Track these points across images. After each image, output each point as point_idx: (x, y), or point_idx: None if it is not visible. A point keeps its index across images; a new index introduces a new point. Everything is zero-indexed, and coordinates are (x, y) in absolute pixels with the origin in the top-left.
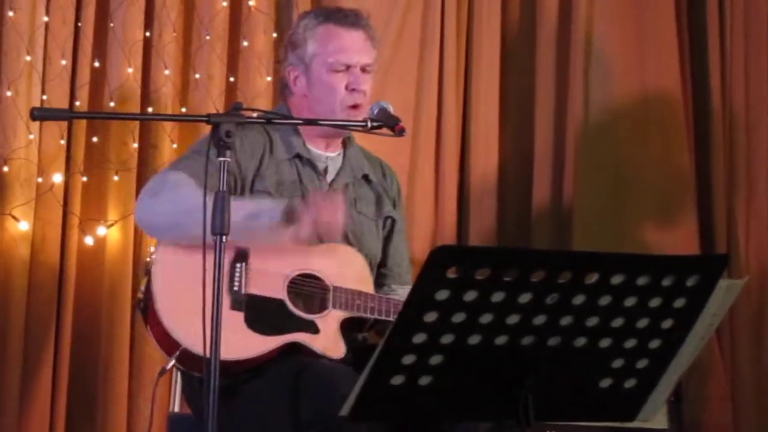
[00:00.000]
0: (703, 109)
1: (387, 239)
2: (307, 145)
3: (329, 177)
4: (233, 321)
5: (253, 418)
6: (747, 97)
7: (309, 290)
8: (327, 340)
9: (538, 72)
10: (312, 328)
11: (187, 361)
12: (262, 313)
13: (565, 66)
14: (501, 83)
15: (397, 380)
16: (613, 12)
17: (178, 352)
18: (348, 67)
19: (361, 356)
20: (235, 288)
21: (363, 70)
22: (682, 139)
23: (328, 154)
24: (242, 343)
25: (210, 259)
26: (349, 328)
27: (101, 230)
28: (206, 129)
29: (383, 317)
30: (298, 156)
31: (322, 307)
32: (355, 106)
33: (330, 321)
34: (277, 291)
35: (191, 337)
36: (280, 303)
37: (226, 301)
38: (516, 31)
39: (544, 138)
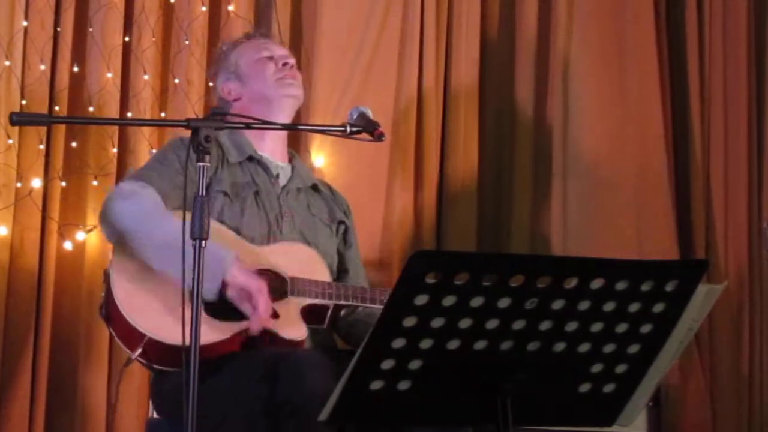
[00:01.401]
0: (682, 115)
1: (343, 244)
2: (258, 151)
3: (281, 182)
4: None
5: (224, 407)
6: (725, 103)
7: (267, 282)
8: (287, 323)
9: (517, 78)
10: (272, 314)
11: (153, 352)
12: (221, 306)
13: (544, 73)
14: (480, 89)
15: (376, 385)
16: (592, 22)
17: (142, 344)
18: (271, 57)
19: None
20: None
21: (287, 60)
22: (660, 144)
23: (278, 163)
24: (206, 327)
25: None
26: (310, 321)
27: (80, 235)
28: (185, 134)
29: (342, 302)
30: (250, 158)
31: (281, 297)
32: (284, 77)
33: (289, 307)
34: None
35: (153, 326)
36: None
37: (186, 297)
38: (495, 36)
39: (523, 142)
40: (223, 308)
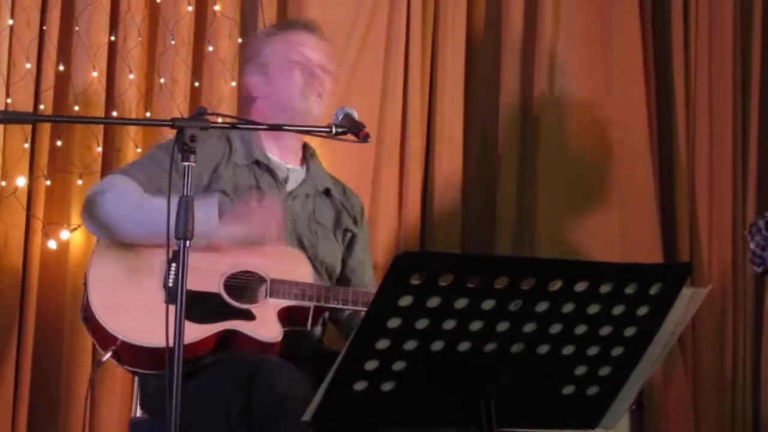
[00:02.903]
0: (667, 118)
1: (347, 252)
2: (267, 153)
3: (289, 187)
4: (170, 313)
5: (201, 413)
6: (710, 107)
7: (246, 284)
8: (263, 325)
9: (503, 79)
10: (248, 316)
11: (125, 354)
12: (197, 306)
13: (529, 74)
14: (465, 89)
15: (360, 386)
16: (578, 22)
17: (115, 346)
18: (304, 66)
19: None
20: (170, 284)
21: (320, 68)
22: (645, 147)
23: (289, 166)
24: None
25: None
26: (291, 322)
27: (64, 234)
28: (170, 133)
29: (322, 303)
30: (257, 162)
31: (260, 298)
32: (311, 91)
33: (266, 308)
34: (213, 286)
35: (125, 328)
36: (215, 296)
37: (161, 296)
38: (481, 38)
39: (508, 145)
40: (198, 309)
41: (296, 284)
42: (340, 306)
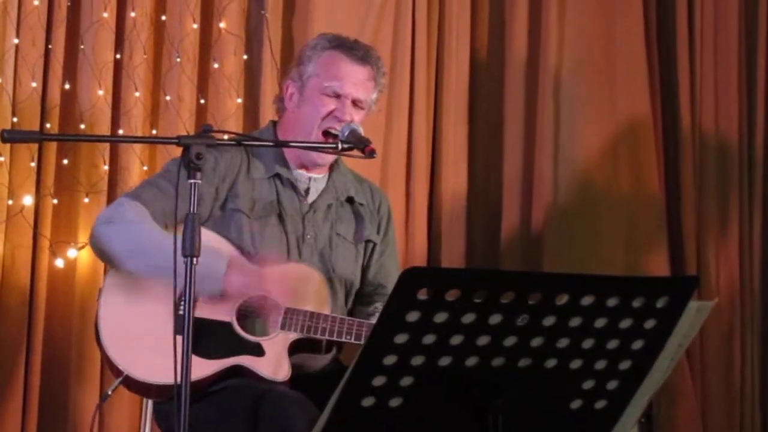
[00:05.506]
0: (673, 132)
1: (369, 261)
2: (290, 164)
3: (310, 198)
4: (178, 345)
5: None
6: (717, 121)
7: (259, 312)
8: (271, 362)
9: (507, 97)
10: (257, 351)
11: (133, 386)
12: (207, 337)
13: (533, 90)
14: (470, 107)
15: (368, 402)
16: (582, 38)
17: (121, 378)
18: (338, 96)
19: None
20: (181, 312)
21: (354, 103)
22: (653, 162)
23: (311, 175)
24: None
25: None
26: (303, 349)
27: (72, 252)
28: (177, 151)
29: (335, 338)
30: (278, 175)
31: (272, 328)
32: (328, 133)
33: (277, 343)
34: (225, 314)
35: (132, 363)
36: (227, 326)
37: (171, 325)
38: (485, 58)
39: (513, 161)
40: (207, 342)
41: (312, 316)
42: (353, 341)
